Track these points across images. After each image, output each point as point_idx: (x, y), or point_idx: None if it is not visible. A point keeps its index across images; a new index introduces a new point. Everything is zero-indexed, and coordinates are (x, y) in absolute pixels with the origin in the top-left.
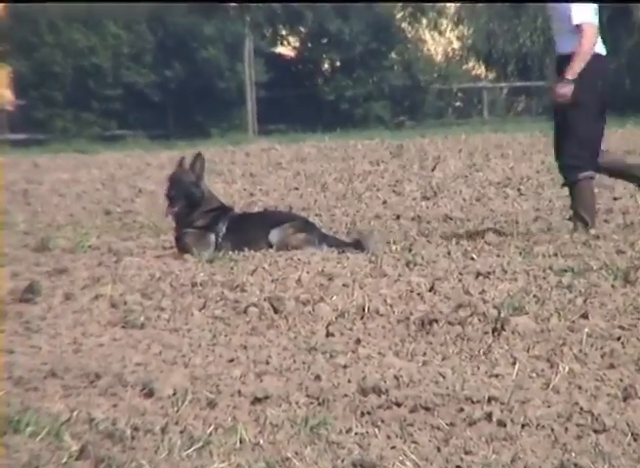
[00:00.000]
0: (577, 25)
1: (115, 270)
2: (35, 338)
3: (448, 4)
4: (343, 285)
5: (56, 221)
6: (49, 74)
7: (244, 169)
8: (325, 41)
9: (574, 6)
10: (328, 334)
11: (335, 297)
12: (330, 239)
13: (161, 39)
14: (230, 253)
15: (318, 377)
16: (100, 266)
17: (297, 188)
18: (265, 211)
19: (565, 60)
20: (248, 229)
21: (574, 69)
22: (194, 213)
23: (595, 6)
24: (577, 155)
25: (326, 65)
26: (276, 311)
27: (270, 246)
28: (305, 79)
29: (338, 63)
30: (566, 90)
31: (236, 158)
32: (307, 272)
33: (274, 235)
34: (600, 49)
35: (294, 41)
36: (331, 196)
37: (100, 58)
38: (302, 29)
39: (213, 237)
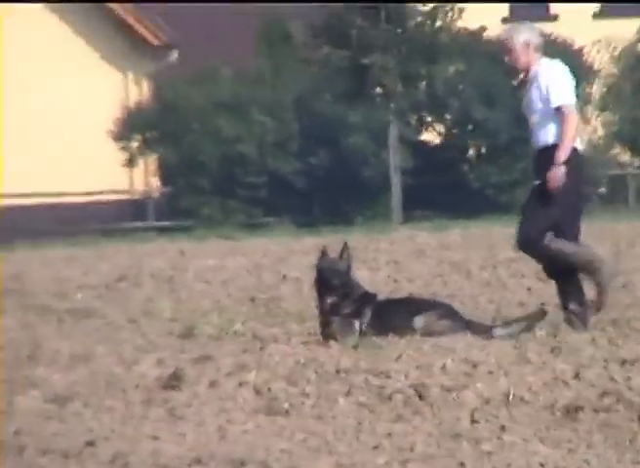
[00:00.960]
0: (557, 108)
1: (260, 357)
2: (180, 425)
3: (593, 91)
4: (488, 372)
5: (201, 308)
6: (195, 162)
7: (388, 256)
8: (470, 128)
9: (552, 87)
10: (473, 421)
11: (479, 384)
12: (474, 325)
13: (306, 126)
14: (375, 339)
15: (463, 464)
16: (245, 353)
17: (441, 275)
18: (409, 297)
19: (545, 152)
20: (392, 316)
21: (562, 153)
22: (341, 301)
23: (573, 84)
24: (534, 238)
25: (471, 152)
26: (421, 398)
27: (415, 332)
28: (451, 166)
29: (483, 150)
30: (559, 176)
31: (381, 245)
32: (452, 359)
33: (418, 321)
34: (578, 142)
35: (439, 128)
36: (475, 283)
37: (246, 145)
38: (448, 116)
39: (357, 324)
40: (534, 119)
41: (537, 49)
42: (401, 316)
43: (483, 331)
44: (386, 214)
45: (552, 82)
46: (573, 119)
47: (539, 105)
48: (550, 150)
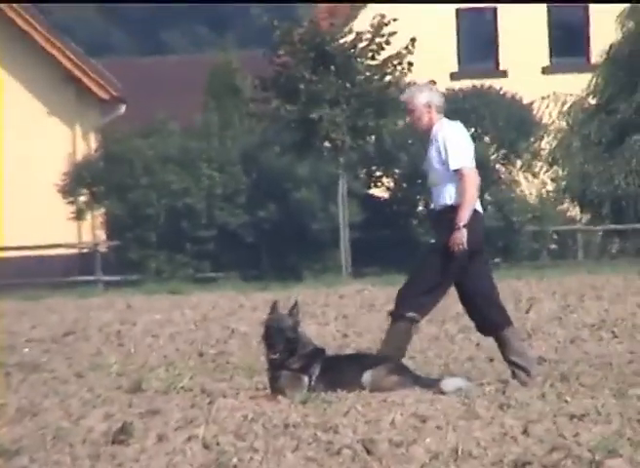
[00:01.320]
0: (455, 171)
1: (208, 411)
2: None
3: (542, 145)
4: (437, 427)
5: (149, 363)
6: (143, 215)
7: (337, 310)
8: (419, 182)
9: (450, 150)
10: None
11: (428, 439)
12: (423, 380)
13: (255, 180)
14: (323, 394)
15: None
16: (194, 407)
17: None
18: (358, 353)
19: (444, 213)
20: (341, 371)
21: (463, 215)
22: (290, 356)
23: (472, 148)
24: (420, 296)
25: (420, 206)
26: (369, 453)
27: (363, 388)
28: (400, 220)
29: (432, 205)
30: (460, 239)
31: (330, 300)
32: (401, 414)
33: (367, 377)
34: (478, 204)
35: (388, 182)
36: (424, 337)
37: (194, 198)
38: (397, 170)
39: (306, 379)
40: (433, 179)
41: (438, 110)
42: (350, 372)
43: (431, 385)
44: (335, 269)
45: (450, 144)
46: (472, 181)
47: (437, 166)
48: (449, 211)
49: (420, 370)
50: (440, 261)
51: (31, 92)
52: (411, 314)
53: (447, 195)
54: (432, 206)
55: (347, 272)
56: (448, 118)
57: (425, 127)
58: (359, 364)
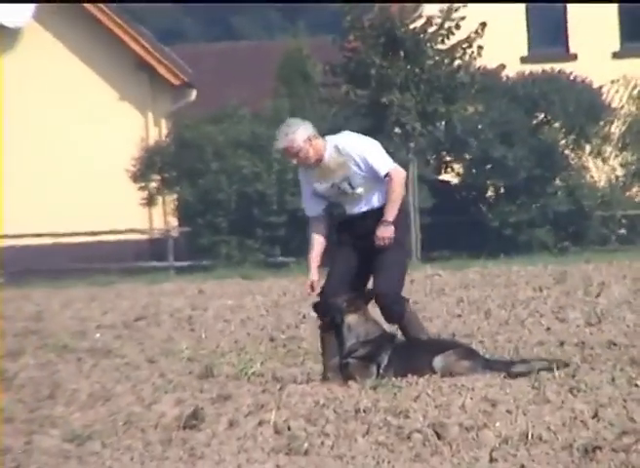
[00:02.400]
0: (386, 175)
1: (279, 396)
2: (200, 465)
3: (612, 130)
4: (507, 411)
5: (220, 348)
6: (214, 201)
7: (408, 295)
8: (489, 167)
9: (371, 158)
10: (491, 461)
11: (498, 424)
12: (493, 363)
13: None
14: (394, 379)
15: None
16: (265, 393)
17: (460, 315)
18: (428, 338)
19: (373, 213)
20: (411, 357)
21: (392, 212)
22: (359, 342)
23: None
24: (400, 290)
25: (490, 192)
26: (440, 437)
27: (434, 372)
28: (469, 205)
29: (502, 190)
30: (389, 232)
31: None
32: (471, 398)
33: (438, 362)
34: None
35: (458, 168)
36: (494, 322)
37: (265, 184)
38: (467, 156)
39: (374, 368)
40: (359, 194)
41: (317, 137)
42: (420, 358)
43: (503, 367)
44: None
45: (367, 153)
46: (401, 180)
47: (361, 181)
48: (377, 212)
49: (490, 354)
50: (398, 253)
51: (103, 78)
52: (405, 297)
53: (379, 197)
54: (363, 211)
55: (417, 257)
56: (516, 103)
57: (315, 158)
58: (429, 350)
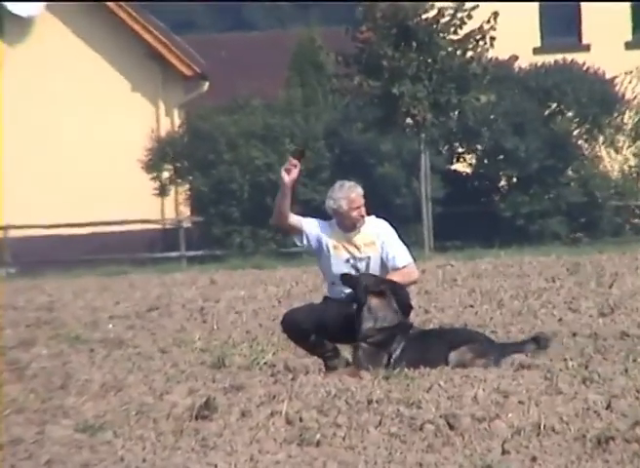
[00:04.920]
0: (403, 266)
1: (291, 387)
2: (212, 455)
3: (625, 120)
4: (519, 402)
5: (232, 338)
6: (226, 191)
7: (419, 285)
8: (501, 158)
9: (396, 249)
10: (504, 452)
11: (510, 415)
12: (509, 348)
13: (338, 155)
14: (406, 370)
15: None
16: (277, 383)
17: (472, 305)
18: (442, 329)
19: None
20: (425, 349)
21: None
22: (375, 328)
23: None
24: None
25: (502, 182)
26: (452, 428)
27: (447, 364)
28: (482, 195)
29: (514, 180)
30: None
31: None
32: (483, 389)
33: (452, 358)
34: None
35: (470, 158)
36: (506, 313)
37: (277, 174)
38: (479, 146)
39: (385, 357)
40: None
41: None
42: (434, 351)
43: (519, 349)
44: (418, 243)
45: (393, 241)
46: (415, 276)
47: (377, 266)
48: None
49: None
50: None
51: (115, 68)
52: None
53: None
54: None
55: (429, 246)
56: (529, 94)
57: (359, 222)
58: (444, 343)
